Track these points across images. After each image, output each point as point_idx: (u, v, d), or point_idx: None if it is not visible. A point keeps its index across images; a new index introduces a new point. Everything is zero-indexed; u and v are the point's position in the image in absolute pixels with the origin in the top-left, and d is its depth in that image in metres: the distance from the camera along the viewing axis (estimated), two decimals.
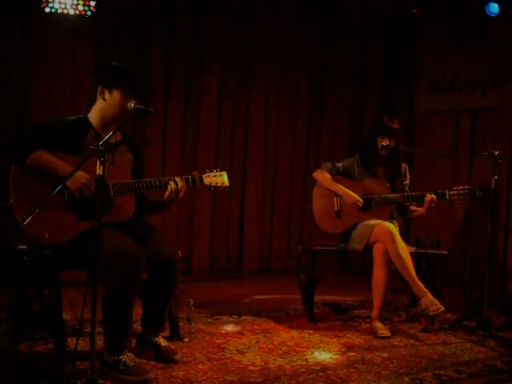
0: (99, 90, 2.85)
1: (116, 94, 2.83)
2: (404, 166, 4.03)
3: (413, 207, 3.93)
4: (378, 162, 3.91)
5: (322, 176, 3.92)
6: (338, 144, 5.93)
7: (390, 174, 3.93)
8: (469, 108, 5.39)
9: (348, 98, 6.02)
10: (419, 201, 3.76)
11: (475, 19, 5.22)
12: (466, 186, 3.70)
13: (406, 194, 3.83)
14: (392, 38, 6.12)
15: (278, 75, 5.65)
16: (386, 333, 3.53)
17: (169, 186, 2.85)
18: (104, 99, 2.85)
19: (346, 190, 3.81)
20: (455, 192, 3.68)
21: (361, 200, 3.77)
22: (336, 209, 3.87)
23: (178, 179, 2.88)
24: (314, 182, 3.99)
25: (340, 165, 3.96)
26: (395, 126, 3.83)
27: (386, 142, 3.80)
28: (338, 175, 3.92)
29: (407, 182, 4.03)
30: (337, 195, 3.86)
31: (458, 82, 5.50)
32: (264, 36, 5.52)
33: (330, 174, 3.91)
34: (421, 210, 3.83)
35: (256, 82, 5.55)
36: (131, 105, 2.66)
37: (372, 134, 3.89)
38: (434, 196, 3.69)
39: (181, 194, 2.88)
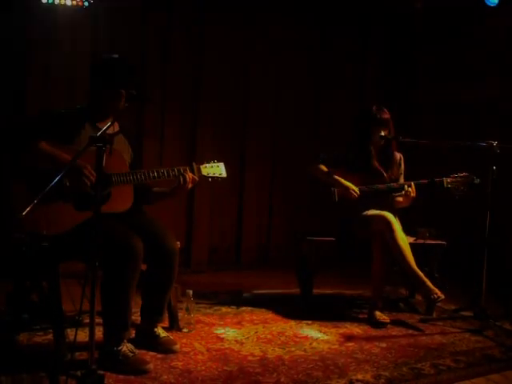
0: (98, 83, 2.85)
1: (115, 89, 2.82)
2: (399, 155, 4.00)
3: (399, 198, 3.85)
4: (373, 152, 3.85)
5: (316, 169, 3.86)
6: (338, 132, 5.89)
7: (384, 163, 3.90)
8: (469, 99, 5.38)
9: (347, 86, 6.01)
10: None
11: (475, 8, 5.19)
12: (463, 173, 3.70)
13: (396, 183, 3.82)
14: (392, 29, 6.08)
15: (276, 65, 5.64)
16: (386, 318, 3.54)
17: (181, 177, 2.90)
18: (102, 92, 2.84)
19: (341, 180, 3.77)
20: (453, 179, 3.68)
21: (357, 190, 3.75)
22: (335, 200, 3.85)
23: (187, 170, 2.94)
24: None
25: (334, 155, 3.89)
26: (386, 115, 3.79)
27: (381, 133, 3.77)
28: (333, 166, 3.85)
29: (401, 171, 4.00)
30: (333, 186, 3.83)
31: (459, 72, 5.48)
32: (263, 23, 5.50)
33: (325, 164, 3.86)
34: (403, 202, 3.80)
35: (255, 69, 5.53)
36: (126, 92, 2.70)
37: (365, 126, 3.82)
38: (410, 188, 3.69)
39: (190, 185, 2.93)
